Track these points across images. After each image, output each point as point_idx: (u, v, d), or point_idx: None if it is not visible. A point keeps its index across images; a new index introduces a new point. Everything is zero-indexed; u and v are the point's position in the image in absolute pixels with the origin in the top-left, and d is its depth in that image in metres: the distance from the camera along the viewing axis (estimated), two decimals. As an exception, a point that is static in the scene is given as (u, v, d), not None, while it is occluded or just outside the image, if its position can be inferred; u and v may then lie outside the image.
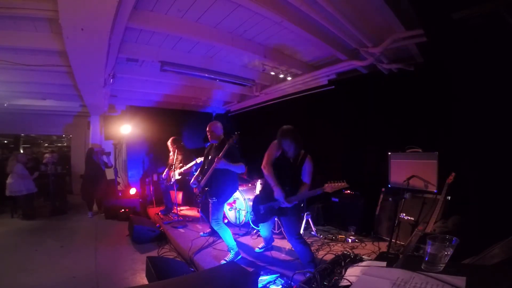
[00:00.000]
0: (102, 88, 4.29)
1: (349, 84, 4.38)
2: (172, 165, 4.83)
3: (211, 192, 3.06)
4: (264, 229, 3.16)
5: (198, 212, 5.15)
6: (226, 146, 2.90)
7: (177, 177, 4.81)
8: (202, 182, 3.11)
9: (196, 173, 3.39)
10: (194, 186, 3.26)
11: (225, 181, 3.04)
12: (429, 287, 0.79)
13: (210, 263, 3.08)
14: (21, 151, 7.61)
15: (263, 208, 2.81)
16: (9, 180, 5.18)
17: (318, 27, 3.09)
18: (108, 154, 6.03)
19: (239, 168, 3.00)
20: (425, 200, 3.15)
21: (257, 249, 3.39)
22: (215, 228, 3.11)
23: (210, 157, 3.16)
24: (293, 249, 3.41)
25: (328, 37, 3.32)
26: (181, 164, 4.90)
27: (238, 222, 4.30)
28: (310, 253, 2.73)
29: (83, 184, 5.78)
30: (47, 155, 6.31)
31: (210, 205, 3.13)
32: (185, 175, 4.99)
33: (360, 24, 2.99)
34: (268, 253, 3.35)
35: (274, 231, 3.93)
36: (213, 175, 3.01)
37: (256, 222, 3.43)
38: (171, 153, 5.02)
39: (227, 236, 3.08)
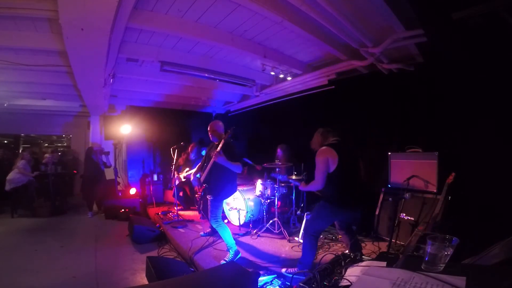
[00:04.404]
0: (102, 88, 4.29)
1: (349, 84, 4.37)
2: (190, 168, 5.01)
3: (209, 190, 3.07)
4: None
5: (197, 210, 5.19)
6: (222, 141, 2.90)
7: (182, 179, 4.94)
8: (202, 178, 3.13)
9: (195, 169, 3.37)
10: (195, 184, 3.27)
11: (223, 179, 3.03)
12: (429, 287, 0.79)
13: (210, 263, 3.08)
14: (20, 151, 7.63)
15: None
16: (9, 176, 5.33)
17: (318, 27, 3.09)
18: (107, 153, 6.01)
19: (236, 168, 2.98)
20: (425, 200, 3.15)
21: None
22: (214, 226, 3.12)
23: (210, 155, 3.16)
24: (292, 249, 3.43)
25: (328, 37, 3.32)
26: (187, 169, 5.04)
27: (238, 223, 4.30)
28: (309, 258, 2.61)
29: (83, 183, 5.78)
30: (47, 155, 6.32)
31: (208, 203, 3.14)
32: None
33: (360, 24, 2.99)
34: (267, 253, 3.35)
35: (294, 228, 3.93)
36: (212, 172, 3.01)
37: None
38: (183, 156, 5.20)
39: (226, 234, 3.08)
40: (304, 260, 2.60)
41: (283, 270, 2.76)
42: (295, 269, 2.67)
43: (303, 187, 2.76)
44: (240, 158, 3.08)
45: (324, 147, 2.53)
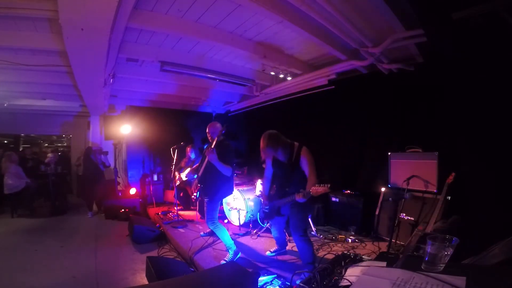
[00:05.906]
0: (102, 88, 4.29)
1: (349, 84, 4.37)
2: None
3: (204, 191, 3.05)
4: (274, 231, 3.15)
5: (195, 210, 5.20)
6: (216, 138, 2.90)
7: (184, 178, 4.96)
8: (197, 178, 3.12)
9: (189, 169, 3.34)
10: (191, 182, 3.25)
11: (219, 180, 2.99)
12: (429, 287, 0.79)
13: (210, 263, 3.08)
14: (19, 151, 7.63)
15: (268, 208, 2.88)
16: (5, 180, 5.27)
17: (318, 27, 3.09)
18: (106, 153, 6.00)
19: (226, 170, 2.92)
20: (425, 200, 3.15)
21: (268, 253, 3.27)
22: (211, 227, 3.11)
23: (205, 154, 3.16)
24: (292, 249, 3.43)
25: (328, 37, 3.32)
26: (188, 168, 5.10)
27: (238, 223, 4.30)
28: (312, 254, 2.68)
29: (82, 184, 5.77)
30: (49, 154, 6.32)
31: (205, 204, 3.14)
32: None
33: (360, 24, 2.98)
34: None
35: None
36: (207, 173, 2.99)
37: (262, 219, 3.89)
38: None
39: (224, 235, 3.07)
40: (309, 259, 2.64)
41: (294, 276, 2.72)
42: (304, 272, 2.65)
43: (302, 197, 2.46)
44: (233, 162, 3.06)
45: (304, 147, 2.66)
